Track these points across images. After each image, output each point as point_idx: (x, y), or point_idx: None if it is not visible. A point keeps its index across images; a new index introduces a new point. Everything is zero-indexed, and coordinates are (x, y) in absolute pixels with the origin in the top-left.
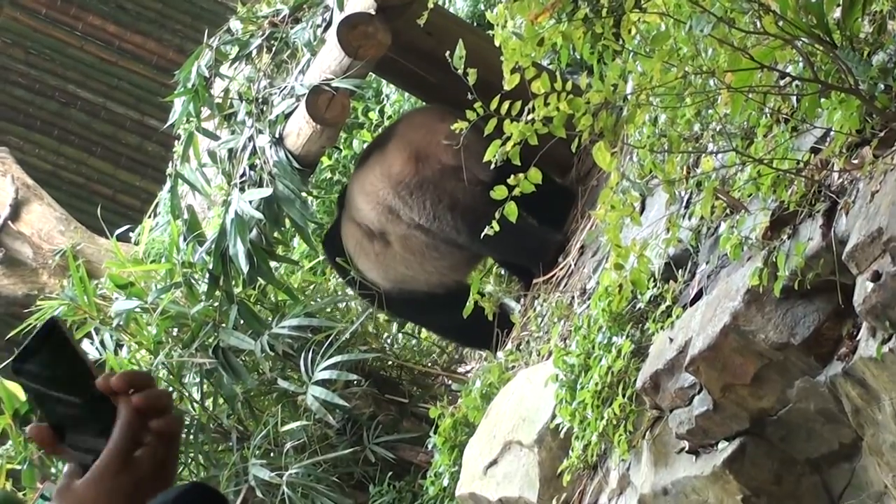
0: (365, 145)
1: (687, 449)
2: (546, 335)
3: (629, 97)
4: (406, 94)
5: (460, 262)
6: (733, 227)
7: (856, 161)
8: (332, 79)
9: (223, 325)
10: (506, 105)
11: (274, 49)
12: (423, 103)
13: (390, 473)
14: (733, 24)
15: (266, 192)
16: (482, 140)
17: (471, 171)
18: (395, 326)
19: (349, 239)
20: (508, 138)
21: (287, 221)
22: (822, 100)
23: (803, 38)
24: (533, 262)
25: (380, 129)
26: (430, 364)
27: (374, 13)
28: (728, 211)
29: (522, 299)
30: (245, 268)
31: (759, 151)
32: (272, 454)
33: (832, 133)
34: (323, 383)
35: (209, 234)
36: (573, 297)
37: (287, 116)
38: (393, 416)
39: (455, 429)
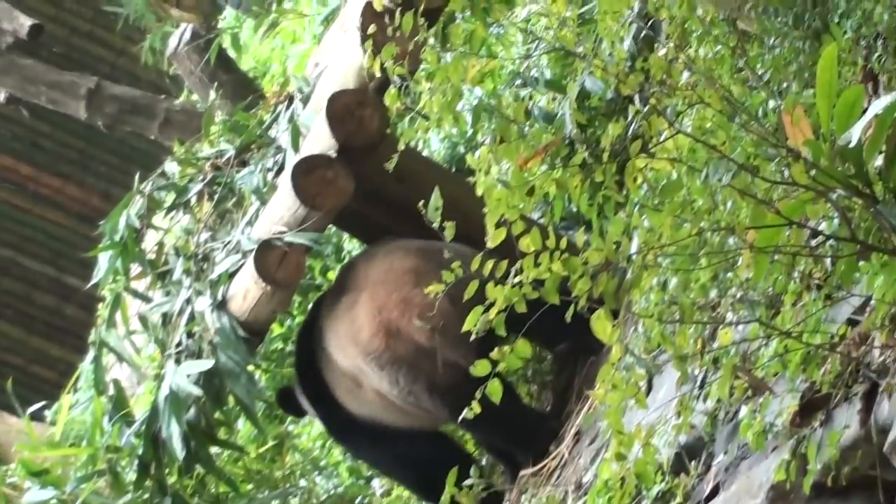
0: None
1: None
2: None
3: (634, 257)
4: None
5: (442, 419)
6: (756, 412)
7: None
8: (285, 232)
9: None
10: (489, 265)
11: (217, 196)
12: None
13: None
14: (757, 173)
15: (206, 364)
16: (461, 316)
17: (447, 357)
18: None
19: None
20: (491, 305)
21: (231, 399)
22: (861, 263)
23: (839, 190)
24: (521, 450)
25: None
26: None
27: (334, 155)
28: (750, 393)
29: (508, 494)
30: (181, 453)
31: (787, 323)
32: None
33: (873, 302)
34: None
35: (138, 413)
36: (567, 493)
37: (231, 276)
38: None
39: None
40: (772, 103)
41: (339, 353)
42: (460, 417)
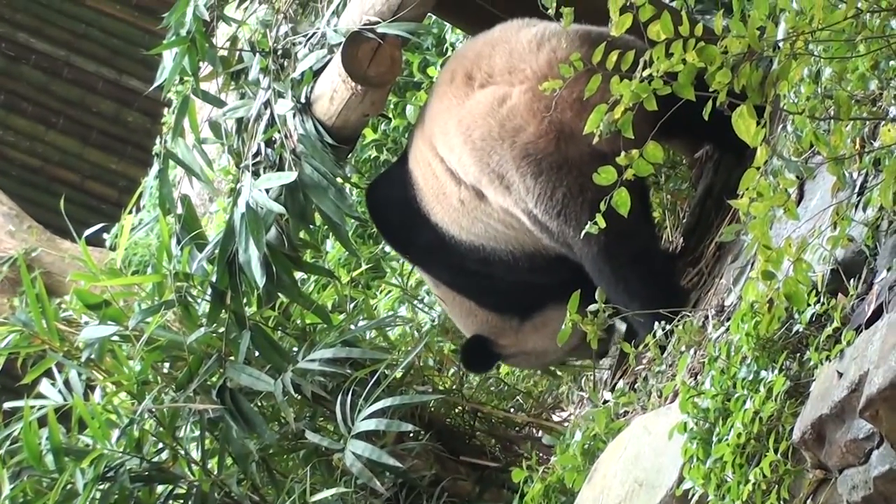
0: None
1: None
2: (670, 369)
3: (781, 45)
4: None
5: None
6: None
7: None
8: (378, 22)
9: (231, 358)
10: (613, 57)
11: None
12: None
13: None
14: None
15: (289, 176)
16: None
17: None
18: None
19: (418, 162)
20: (617, 102)
21: (317, 217)
22: None
23: None
24: (641, 310)
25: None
26: (513, 409)
27: None
28: None
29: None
30: (261, 280)
31: None
32: None
33: None
34: (367, 436)
35: (211, 234)
36: (707, 318)
37: (316, 74)
38: (464, 479)
39: (547, 497)
40: None
41: (469, 155)
42: (583, 232)
